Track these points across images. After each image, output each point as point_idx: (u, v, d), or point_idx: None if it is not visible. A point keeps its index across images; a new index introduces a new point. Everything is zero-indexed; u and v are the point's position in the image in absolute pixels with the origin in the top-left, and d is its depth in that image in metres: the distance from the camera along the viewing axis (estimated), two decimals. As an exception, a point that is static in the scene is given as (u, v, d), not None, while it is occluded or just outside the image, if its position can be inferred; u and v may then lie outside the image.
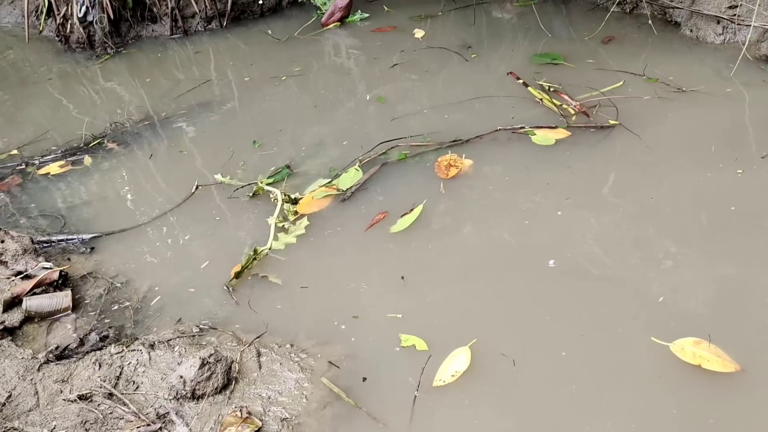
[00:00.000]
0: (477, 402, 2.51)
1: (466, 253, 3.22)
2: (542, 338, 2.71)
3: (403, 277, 3.11)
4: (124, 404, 2.50)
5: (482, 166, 3.78)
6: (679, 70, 4.42)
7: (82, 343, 2.93)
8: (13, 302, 3.19)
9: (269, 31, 6.43)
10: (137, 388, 2.60)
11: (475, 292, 3.00)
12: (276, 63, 5.64)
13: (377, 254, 3.30)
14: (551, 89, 4.29)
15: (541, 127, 3.92)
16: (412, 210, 3.50)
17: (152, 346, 2.80)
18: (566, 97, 4.17)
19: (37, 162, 4.65)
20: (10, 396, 2.51)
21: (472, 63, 5.03)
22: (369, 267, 3.24)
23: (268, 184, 3.86)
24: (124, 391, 2.58)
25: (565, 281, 2.95)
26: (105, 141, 4.76)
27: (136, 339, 2.90)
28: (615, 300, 2.82)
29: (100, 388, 2.57)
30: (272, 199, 3.72)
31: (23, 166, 4.63)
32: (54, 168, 4.54)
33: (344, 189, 3.73)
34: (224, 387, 2.55)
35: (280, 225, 3.52)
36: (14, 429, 2.31)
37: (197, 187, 4.00)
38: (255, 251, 3.31)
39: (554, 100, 4.15)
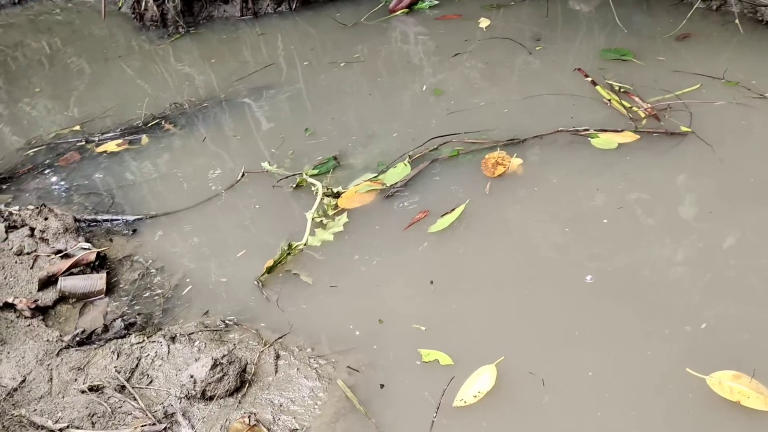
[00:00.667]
0: (498, 427, 2.30)
1: (500, 261, 3.00)
2: (571, 359, 2.47)
3: (432, 282, 2.91)
4: (134, 399, 2.42)
5: (533, 166, 3.52)
6: (765, 74, 3.99)
7: (106, 329, 2.88)
8: (49, 281, 3.18)
9: (337, 15, 6.27)
10: (151, 382, 2.52)
11: (505, 304, 2.77)
12: (338, 48, 5.49)
13: (411, 255, 3.11)
14: (621, 90, 3.96)
15: (606, 131, 3.62)
16: (453, 210, 3.29)
17: (173, 338, 2.72)
18: (637, 99, 3.83)
19: (96, 139, 4.68)
20: (24, 381, 2.48)
21: (537, 56, 4.73)
22: (401, 269, 3.06)
23: (312, 176, 3.72)
24: (137, 385, 2.51)
25: (602, 298, 2.69)
26: (163, 122, 4.74)
27: (160, 330, 2.83)
28: (653, 324, 2.54)
29: (114, 379, 2.50)
30: (314, 192, 3.58)
31: (83, 143, 4.66)
32: (112, 146, 4.55)
33: (390, 185, 3.55)
34: (236, 390, 2.44)
35: (319, 220, 3.38)
36: (20, 417, 2.26)
37: (243, 175, 3.91)
38: (289, 246, 3.18)
39: (623, 102, 3.82)
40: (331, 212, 3.43)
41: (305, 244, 3.25)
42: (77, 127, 4.94)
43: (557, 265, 2.91)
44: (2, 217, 3.59)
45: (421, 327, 2.71)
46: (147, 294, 3.17)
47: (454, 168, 3.66)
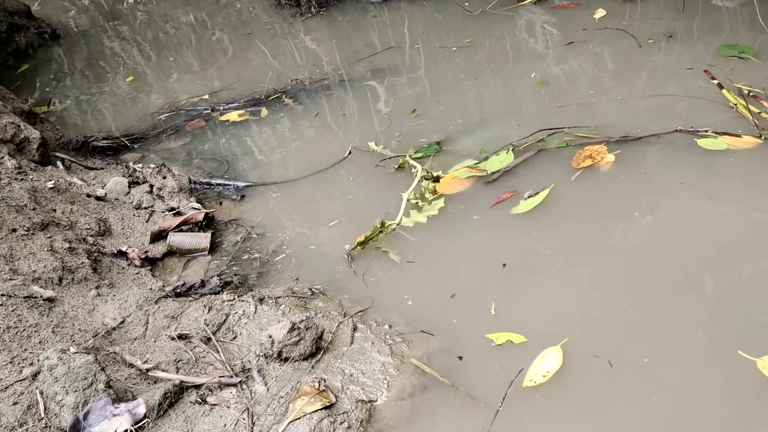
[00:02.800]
0: (566, 406, 2.26)
1: (574, 248, 2.96)
2: (633, 342, 2.47)
3: (504, 265, 2.90)
4: (217, 351, 2.55)
5: (627, 161, 3.37)
6: None
7: (203, 284, 3.04)
8: (160, 235, 3.40)
9: (466, 3, 6.21)
10: (234, 338, 2.64)
11: (573, 288, 2.77)
12: (459, 34, 5.43)
13: (495, 238, 3.09)
14: (750, 93, 3.66)
15: (726, 134, 3.37)
16: (537, 193, 3.22)
17: (261, 300, 2.83)
18: (766, 104, 3.53)
19: (221, 108, 4.92)
20: (123, 322, 2.67)
21: (651, 51, 4.46)
22: (486, 252, 3.04)
23: (414, 159, 3.73)
24: (222, 339, 2.64)
25: (671, 289, 2.61)
26: (283, 96, 4.91)
27: (251, 291, 2.95)
28: (718, 312, 2.44)
29: (202, 331, 2.64)
30: (413, 174, 3.58)
31: (209, 111, 4.92)
32: (234, 116, 4.77)
33: (491, 172, 3.49)
34: (311, 355, 2.51)
35: (415, 202, 3.38)
36: (115, 354, 2.45)
37: (350, 152, 3.98)
38: (382, 224, 3.21)
39: (751, 107, 3.54)
40: (428, 195, 3.43)
41: (398, 224, 3.27)
42: (206, 96, 5.22)
43: (630, 255, 2.84)
44: (128, 173, 3.86)
45: (491, 307, 2.70)
46: (246, 256, 3.31)
47: (548, 157, 3.56)
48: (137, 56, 6.54)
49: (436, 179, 3.52)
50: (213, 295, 2.92)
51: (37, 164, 3.69)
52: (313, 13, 6.58)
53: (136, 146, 4.65)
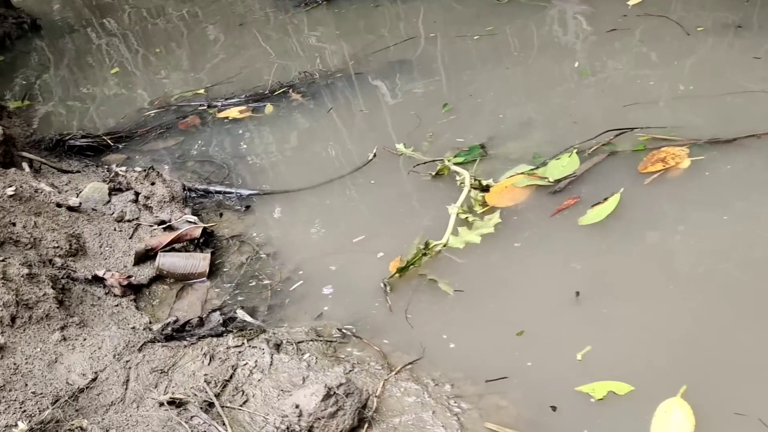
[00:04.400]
0: None
1: (662, 266, 2.28)
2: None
3: (578, 294, 2.20)
4: (223, 424, 1.82)
5: (705, 165, 2.69)
6: None
7: (202, 322, 2.31)
8: (147, 255, 2.67)
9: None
10: (245, 402, 1.92)
11: (672, 318, 2.09)
12: (483, 24, 4.72)
13: (561, 258, 2.40)
14: None
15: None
16: (606, 200, 2.54)
17: (278, 346, 2.11)
18: None
19: (219, 104, 4.19)
20: (95, 379, 1.94)
21: (709, 40, 3.78)
22: (553, 273, 2.35)
23: (455, 164, 3.02)
24: (229, 403, 1.91)
25: None
26: (290, 90, 4.19)
27: (263, 332, 2.23)
28: None
29: (201, 392, 1.92)
30: (458, 183, 2.88)
31: (205, 107, 4.19)
32: (234, 112, 4.05)
33: (554, 179, 2.80)
34: (351, 431, 1.79)
35: (464, 217, 2.68)
36: (80, 430, 1.71)
37: (374, 156, 3.27)
38: (426, 245, 2.50)
39: None
40: (479, 209, 2.72)
41: (445, 245, 2.56)
42: (201, 91, 4.49)
43: (730, 272, 2.14)
44: (109, 177, 3.12)
45: (578, 355, 1.99)
46: (253, 283, 2.59)
47: (611, 160, 2.89)
48: (124, 49, 5.79)
49: (486, 189, 2.82)
50: (215, 338, 2.19)
51: (-3, 166, 2.95)
52: (319, 3, 5.85)
53: (120, 146, 3.92)
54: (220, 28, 5.73)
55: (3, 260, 2.24)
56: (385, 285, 2.43)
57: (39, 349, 2.01)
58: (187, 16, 6.51)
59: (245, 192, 3.18)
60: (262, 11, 6.07)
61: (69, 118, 4.54)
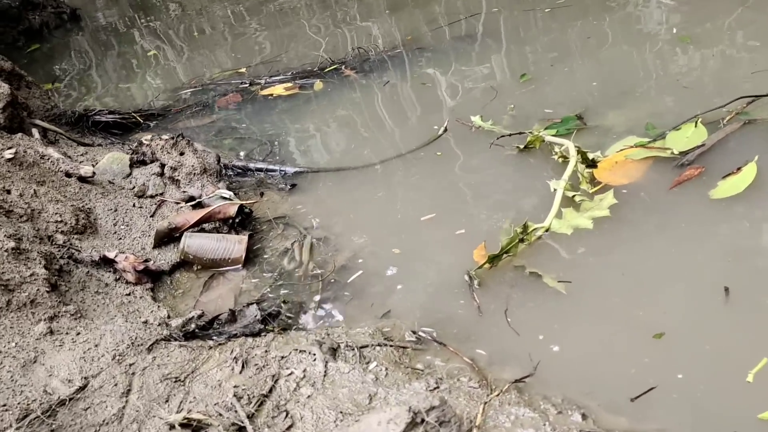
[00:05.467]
0: None
1: None
2: None
3: (727, 290, 1.56)
4: (257, 460, 1.23)
5: None
6: None
7: (234, 317, 1.74)
8: (171, 236, 2.12)
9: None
10: (290, 427, 1.33)
11: None
12: None
13: (693, 242, 1.76)
14: None
15: None
16: (740, 169, 1.91)
17: (333, 351, 1.53)
18: None
19: (262, 81, 3.66)
20: (84, 387, 1.38)
21: None
22: (688, 262, 1.72)
23: (543, 134, 2.42)
24: (267, 428, 1.32)
25: None
26: (342, 67, 3.64)
27: (311, 333, 1.64)
28: None
29: (229, 410, 1.34)
30: (555, 157, 2.28)
31: (247, 85, 3.67)
32: (279, 89, 3.51)
33: (679, 152, 2.18)
34: (445, 477, 1.18)
35: (572, 196, 2.07)
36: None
37: (445, 130, 2.68)
38: (524, 228, 1.90)
39: None
40: (587, 187, 2.11)
41: (547, 229, 1.95)
42: (243, 70, 3.97)
43: None
44: (130, 148, 2.60)
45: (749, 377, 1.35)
46: (299, 273, 2.01)
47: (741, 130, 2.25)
48: (162, 38, 5.34)
49: (592, 164, 2.20)
50: (250, 338, 1.61)
51: (2, 130, 2.44)
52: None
53: (151, 124, 3.41)
54: (263, 12, 5.24)
55: (-16, 230, 1.71)
56: (470, 278, 1.83)
57: (14, 344, 1.46)
58: (227, 7, 6.04)
59: (291, 169, 2.63)
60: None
61: (97, 103, 4.07)
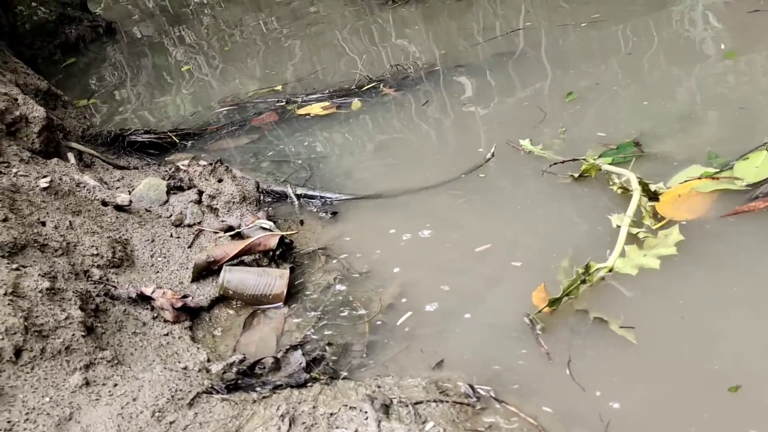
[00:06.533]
0: None
1: None
2: None
3: None
4: None
5: None
6: None
7: (277, 365, 1.62)
8: (209, 269, 2.02)
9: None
10: (343, 501, 1.20)
11: None
12: (580, 12, 3.97)
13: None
14: None
15: None
16: None
17: (386, 408, 1.40)
18: None
19: (299, 100, 3.56)
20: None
21: None
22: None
23: (602, 163, 2.27)
24: (318, 503, 1.20)
25: None
26: (380, 85, 3.52)
27: (360, 384, 1.51)
28: None
29: (277, 480, 1.21)
30: (614, 187, 2.13)
31: (283, 103, 3.57)
32: (316, 108, 3.41)
33: (748, 184, 2.02)
34: None
35: (636, 232, 1.92)
36: None
37: (492, 155, 2.55)
38: (586, 269, 1.75)
39: None
40: (649, 222, 1.95)
41: (611, 270, 1.80)
42: (278, 87, 3.88)
43: None
44: (167, 173, 2.51)
45: None
46: (345, 313, 1.89)
47: None
48: (197, 53, 5.28)
49: (654, 196, 2.05)
50: (295, 389, 1.49)
51: (37, 154, 2.37)
52: (406, 0, 5.21)
53: (187, 144, 3.33)
54: (297, 27, 5.16)
55: (17, 269, 1.62)
56: (532, 322, 1.69)
57: (48, 399, 1.36)
58: (263, 24, 5.97)
59: (331, 196, 2.51)
60: (345, 11, 5.48)
61: (134, 117, 4.01)
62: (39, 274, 1.64)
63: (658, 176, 2.19)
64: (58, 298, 1.61)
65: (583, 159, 2.29)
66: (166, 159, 3.20)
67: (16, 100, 2.40)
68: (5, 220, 1.81)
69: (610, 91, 2.93)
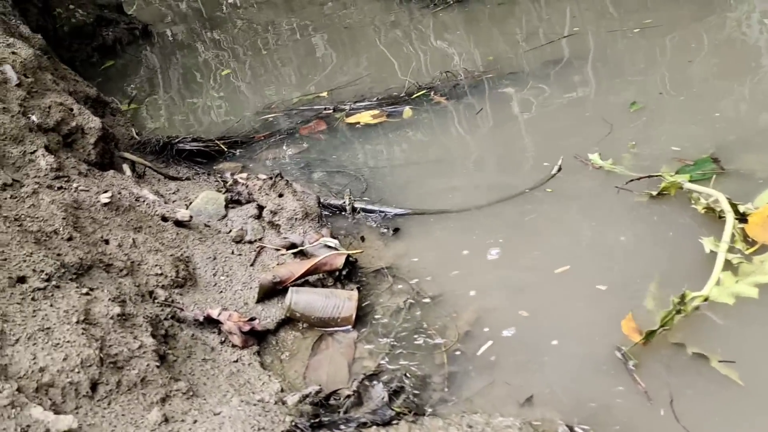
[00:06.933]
0: None
1: None
2: None
3: None
4: None
5: None
6: None
7: (358, 399, 1.54)
8: (274, 290, 1.94)
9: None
10: None
11: None
12: (630, 17, 3.84)
13: None
14: None
15: None
16: None
17: (483, 452, 1.30)
18: None
19: (347, 107, 3.48)
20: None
21: None
22: None
23: (676, 180, 2.15)
24: None
25: None
26: (431, 93, 3.43)
27: (450, 423, 1.42)
28: None
29: None
30: (698, 207, 2.01)
31: (331, 111, 3.49)
32: (366, 117, 3.32)
33: None
34: None
35: (730, 259, 1.80)
36: None
37: (559, 169, 2.44)
38: (681, 299, 1.64)
39: None
40: (742, 246, 1.84)
41: (706, 299, 1.69)
42: (324, 94, 3.80)
43: None
44: (224, 186, 2.44)
45: None
46: (420, 341, 1.80)
47: None
48: (234, 56, 5.22)
49: (743, 218, 1.93)
50: (382, 428, 1.41)
51: (93, 166, 2.31)
52: (449, 3, 5.10)
53: (235, 152, 3.26)
54: (333, 32, 5.08)
55: (87, 293, 1.55)
56: (624, 357, 1.59)
57: (127, 438, 1.28)
58: (297, 28, 5.89)
59: (391, 210, 2.42)
60: (394, 10, 5.39)
61: (177, 123, 3.96)
62: (109, 299, 1.57)
63: (742, 195, 2.07)
64: (129, 324, 1.54)
65: (661, 175, 2.17)
66: (214, 168, 3.14)
67: (72, 110, 2.35)
68: (70, 239, 1.74)
69: (677, 102, 2.81)
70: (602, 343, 1.66)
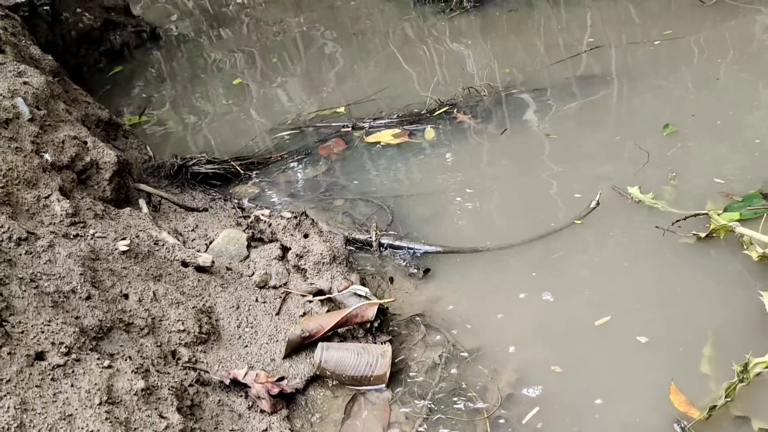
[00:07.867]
0: None
1: None
2: None
3: None
4: None
5: None
6: None
7: (401, 481, 1.43)
8: (302, 344, 1.83)
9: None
10: None
11: None
12: (655, 28, 3.69)
13: None
14: None
15: None
16: None
17: None
18: None
19: (366, 125, 3.35)
20: None
21: None
22: None
23: (730, 220, 2.03)
24: None
25: None
26: (454, 111, 3.30)
27: None
28: None
29: None
30: (752, 254, 1.89)
31: (349, 128, 3.37)
32: (386, 136, 3.20)
33: None
34: None
35: (784, 315, 1.69)
36: None
37: (597, 203, 2.31)
38: (745, 366, 1.53)
39: None
40: (802, 301, 1.72)
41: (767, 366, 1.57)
42: (341, 109, 3.66)
43: None
44: (246, 223, 2.32)
45: None
46: (459, 404, 1.69)
47: None
48: (244, 62, 5.09)
49: (801, 267, 1.81)
50: None
51: (108, 203, 2.20)
52: (465, 9, 4.95)
53: (252, 174, 3.14)
54: (343, 38, 4.94)
55: (109, 365, 1.44)
56: (683, 430, 1.48)
57: None
58: (305, 27, 5.74)
59: (420, 248, 2.30)
60: (393, 20, 5.24)
61: (189, 138, 3.84)
62: (132, 370, 1.46)
63: (795, 238, 1.95)
64: (154, 399, 1.43)
65: (704, 213, 2.05)
66: (230, 191, 3.03)
67: (86, 143, 2.23)
68: (89, 297, 1.63)
69: (712, 125, 2.68)
70: (656, 411, 1.55)
